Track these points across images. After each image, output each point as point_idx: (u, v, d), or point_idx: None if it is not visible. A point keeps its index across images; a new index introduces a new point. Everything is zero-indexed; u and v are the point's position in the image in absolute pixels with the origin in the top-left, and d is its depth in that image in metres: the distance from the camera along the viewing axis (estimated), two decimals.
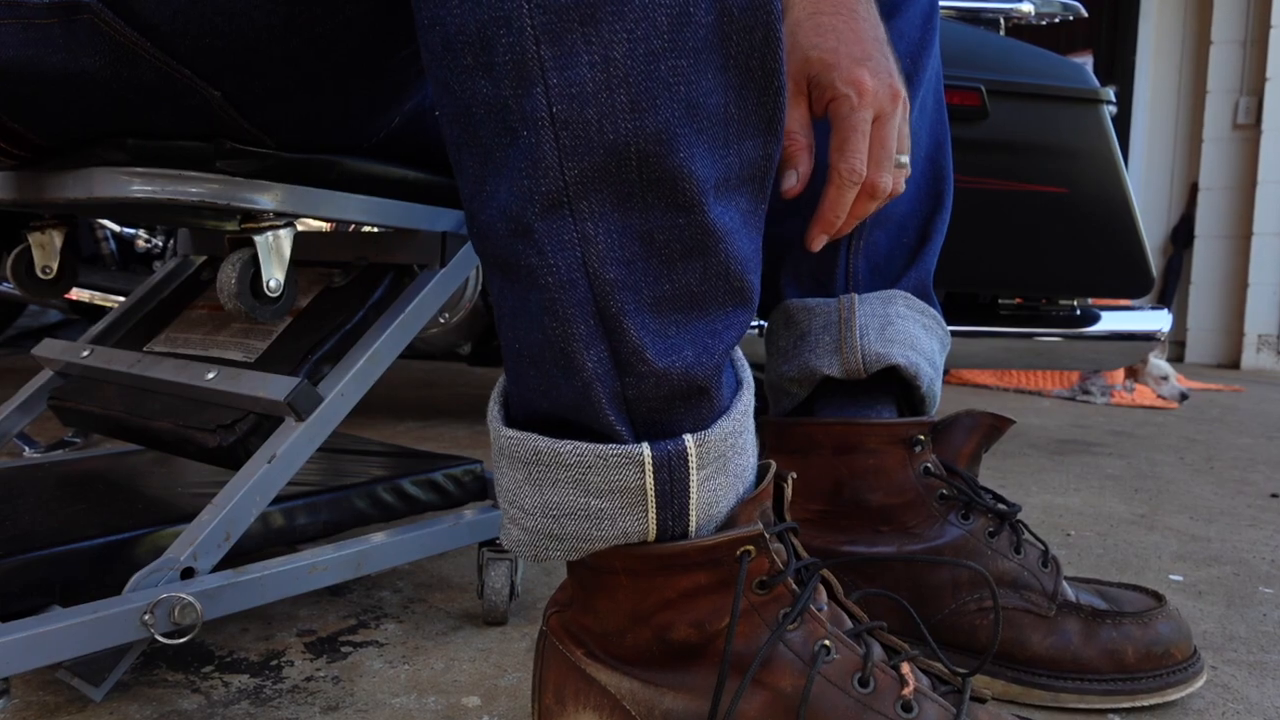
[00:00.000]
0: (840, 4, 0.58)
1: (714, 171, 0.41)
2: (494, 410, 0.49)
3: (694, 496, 0.46)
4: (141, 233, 1.77)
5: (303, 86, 0.60)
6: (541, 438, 0.46)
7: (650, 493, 0.45)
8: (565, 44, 0.37)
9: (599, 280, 0.42)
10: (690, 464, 0.45)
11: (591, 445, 0.45)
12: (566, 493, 0.46)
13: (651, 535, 0.46)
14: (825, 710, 0.48)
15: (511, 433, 0.47)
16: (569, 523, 0.46)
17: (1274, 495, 1.49)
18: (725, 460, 0.47)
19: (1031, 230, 1.65)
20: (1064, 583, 0.71)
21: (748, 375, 0.50)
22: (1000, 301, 1.75)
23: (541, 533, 0.47)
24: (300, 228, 0.71)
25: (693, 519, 0.46)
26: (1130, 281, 1.69)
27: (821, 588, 0.52)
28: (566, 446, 0.45)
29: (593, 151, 0.39)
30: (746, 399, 0.49)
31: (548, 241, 0.41)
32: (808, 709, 0.47)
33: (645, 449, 0.45)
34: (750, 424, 0.49)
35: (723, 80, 0.40)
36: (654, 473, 0.45)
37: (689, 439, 0.45)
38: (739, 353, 0.50)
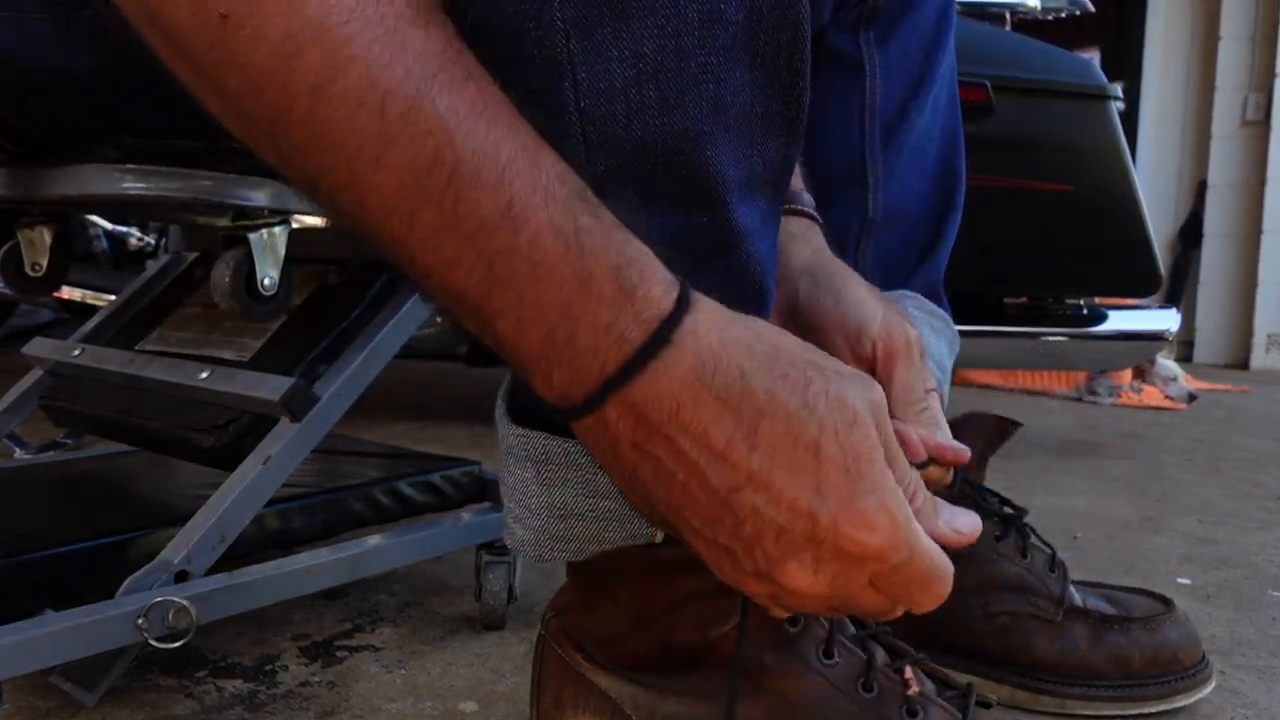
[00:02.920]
0: None
1: (738, 171, 0.41)
2: (501, 409, 0.49)
3: None
4: (134, 230, 1.77)
5: None
6: (551, 437, 0.45)
7: None
8: (595, 39, 0.37)
9: None
10: None
11: None
12: (574, 493, 0.45)
13: (658, 539, 0.46)
14: (829, 715, 0.47)
15: (520, 431, 0.46)
16: (576, 523, 0.46)
17: None
18: None
19: (1037, 228, 1.64)
20: (1071, 587, 0.71)
21: None
22: (1006, 301, 1.74)
23: (547, 533, 0.47)
24: (295, 224, 0.70)
25: None
26: (1137, 280, 1.68)
27: None
28: (576, 446, 0.44)
29: (620, 148, 0.38)
30: None
31: None
32: (812, 714, 0.47)
33: None
34: None
35: (750, 79, 0.40)
36: None
37: None
38: None
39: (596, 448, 0.37)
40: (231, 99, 0.32)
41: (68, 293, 1.76)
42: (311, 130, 0.31)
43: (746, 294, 0.44)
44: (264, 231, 0.68)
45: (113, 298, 0.95)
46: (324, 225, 0.84)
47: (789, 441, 0.35)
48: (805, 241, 0.58)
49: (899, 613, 0.40)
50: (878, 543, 0.36)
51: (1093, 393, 2.67)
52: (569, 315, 0.34)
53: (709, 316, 0.36)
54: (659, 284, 0.35)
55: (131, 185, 0.63)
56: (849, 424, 0.36)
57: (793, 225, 0.58)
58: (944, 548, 0.38)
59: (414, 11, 0.32)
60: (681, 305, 0.35)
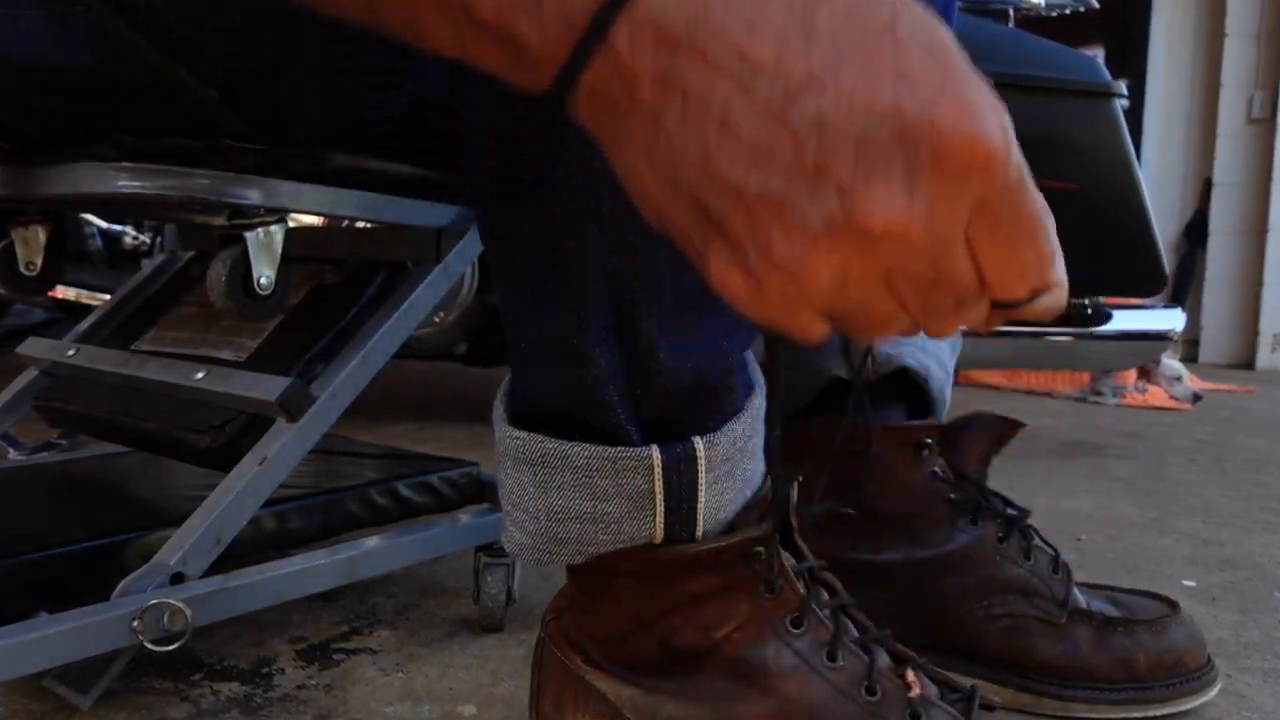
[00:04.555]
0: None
1: None
2: (499, 410, 0.48)
3: (702, 500, 0.45)
4: (129, 229, 1.77)
5: (298, 84, 0.59)
6: (549, 439, 0.45)
7: (659, 496, 0.45)
8: None
9: (617, 278, 0.41)
10: (699, 467, 0.45)
11: (600, 448, 0.44)
12: (572, 496, 0.45)
13: (658, 539, 0.46)
14: (832, 717, 0.47)
15: (518, 433, 0.46)
16: (574, 526, 0.46)
17: None
18: (734, 464, 0.47)
19: None
20: (1075, 589, 0.70)
21: (759, 378, 0.49)
22: None
23: (545, 536, 0.47)
24: (292, 223, 0.70)
25: (700, 523, 0.46)
26: (1142, 279, 1.67)
27: (825, 595, 0.51)
28: (575, 448, 0.44)
29: None
30: (757, 402, 0.48)
31: None
32: (815, 716, 0.47)
33: (655, 451, 0.44)
34: (760, 428, 0.49)
35: None
36: (663, 476, 0.44)
37: (698, 442, 0.45)
38: (749, 355, 0.49)
39: (608, 114, 0.29)
40: None
41: (62, 292, 1.76)
42: None
43: None
44: (260, 230, 0.68)
45: (108, 297, 0.95)
46: (321, 224, 0.84)
47: (855, 26, 0.27)
48: None
49: (980, 308, 0.31)
50: (986, 141, 0.27)
51: (1097, 393, 2.65)
52: None
53: None
54: None
55: (127, 184, 0.62)
56: (922, 13, 0.28)
57: None
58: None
59: None
60: None
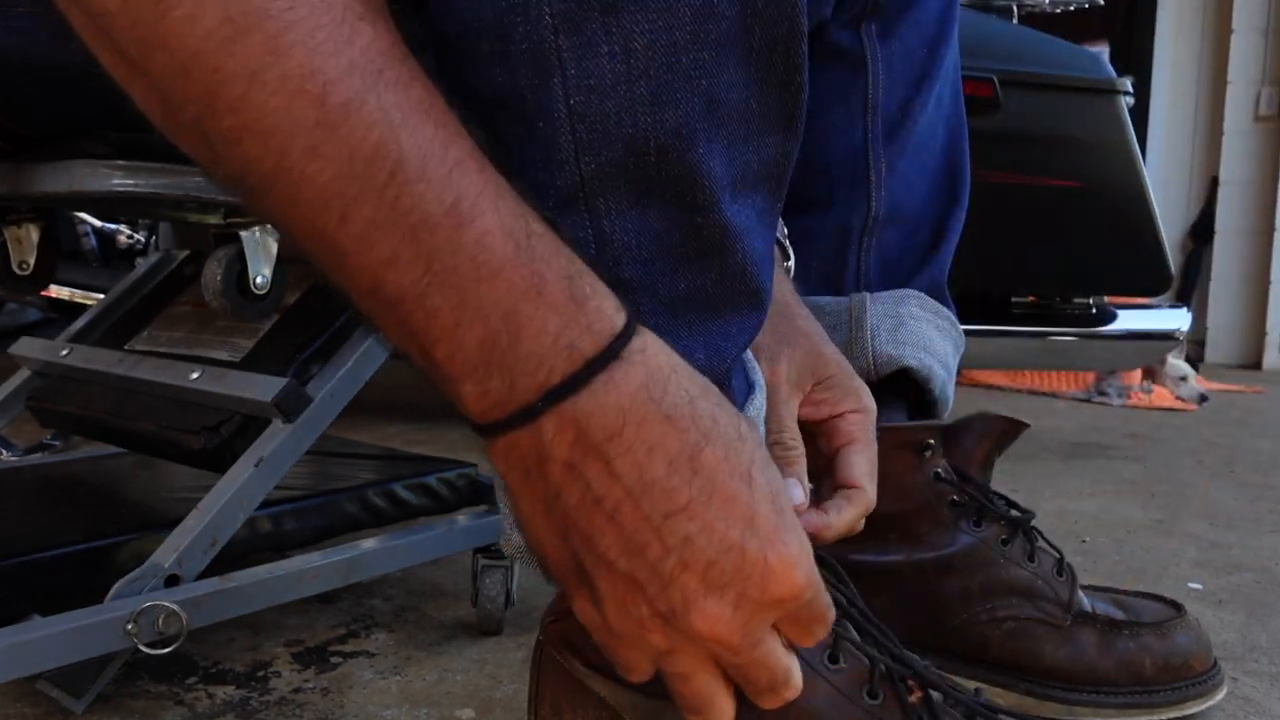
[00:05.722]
0: None
1: (732, 169, 0.40)
2: None
3: None
4: (123, 228, 1.77)
5: None
6: None
7: None
8: (585, 34, 0.36)
9: (615, 280, 0.41)
10: None
11: None
12: None
13: None
14: None
15: None
16: None
17: None
18: None
19: (1045, 225, 1.62)
20: (1079, 592, 0.70)
21: (759, 377, 0.49)
22: (1013, 300, 1.72)
23: None
24: None
25: None
26: (1148, 279, 1.66)
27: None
28: None
29: (611, 146, 0.38)
30: (758, 402, 0.48)
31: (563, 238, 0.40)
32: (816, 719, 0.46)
33: None
34: (761, 427, 0.48)
35: (744, 75, 0.39)
36: None
37: None
38: (749, 355, 0.49)
39: (518, 469, 0.35)
40: (157, 83, 0.31)
41: (55, 291, 1.75)
42: (242, 117, 0.30)
43: (742, 292, 0.43)
44: (256, 229, 0.68)
45: (101, 296, 0.94)
46: None
47: (727, 470, 0.35)
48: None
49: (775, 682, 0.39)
50: (800, 579, 0.36)
51: (1102, 393, 2.64)
52: (514, 319, 0.33)
53: (656, 341, 0.36)
54: (609, 299, 0.35)
55: (121, 182, 0.62)
56: (768, 461, 0.37)
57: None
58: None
59: (362, 6, 0.31)
60: (632, 324, 0.35)
